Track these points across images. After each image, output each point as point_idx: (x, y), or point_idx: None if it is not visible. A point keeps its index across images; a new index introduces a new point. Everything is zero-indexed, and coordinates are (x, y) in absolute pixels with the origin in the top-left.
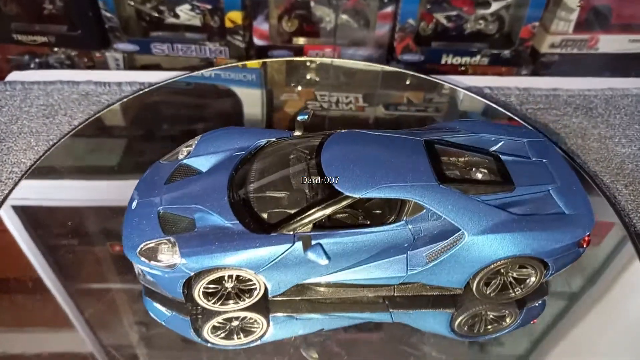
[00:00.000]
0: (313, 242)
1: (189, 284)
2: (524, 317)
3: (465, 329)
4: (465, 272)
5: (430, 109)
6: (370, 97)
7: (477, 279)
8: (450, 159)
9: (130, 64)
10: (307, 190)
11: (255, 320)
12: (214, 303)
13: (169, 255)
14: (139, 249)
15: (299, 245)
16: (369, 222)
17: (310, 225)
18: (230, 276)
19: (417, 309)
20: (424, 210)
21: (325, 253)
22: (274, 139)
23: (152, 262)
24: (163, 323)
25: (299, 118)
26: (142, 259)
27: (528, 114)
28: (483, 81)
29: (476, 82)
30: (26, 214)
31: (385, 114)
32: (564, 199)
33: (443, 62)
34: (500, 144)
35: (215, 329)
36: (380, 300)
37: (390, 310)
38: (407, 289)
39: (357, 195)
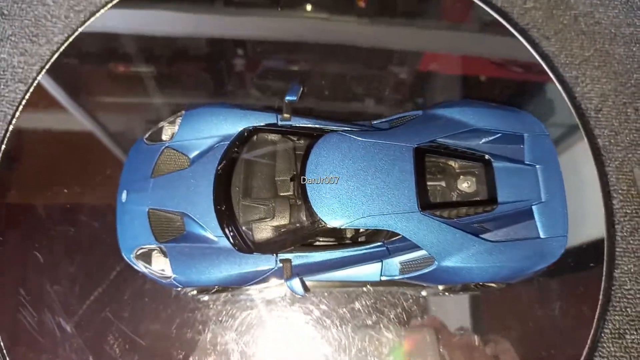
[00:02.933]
0: (294, 264)
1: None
2: None
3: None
4: (434, 284)
5: None
6: None
7: (443, 286)
8: (440, 162)
9: None
10: (291, 200)
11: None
12: (206, 293)
13: (162, 265)
14: (134, 253)
15: (280, 266)
16: (348, 238)
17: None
18: None
19: (388, 286)
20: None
21: (304, 285)
22: (260, 125)
23: (148, 269)
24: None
25: (287, 99)
26: (139, 262)
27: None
28: None
29: None
30: None
31: None
32: (543, 219)
33: None
34: (496, 136)
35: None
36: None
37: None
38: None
39: (338, 226)
